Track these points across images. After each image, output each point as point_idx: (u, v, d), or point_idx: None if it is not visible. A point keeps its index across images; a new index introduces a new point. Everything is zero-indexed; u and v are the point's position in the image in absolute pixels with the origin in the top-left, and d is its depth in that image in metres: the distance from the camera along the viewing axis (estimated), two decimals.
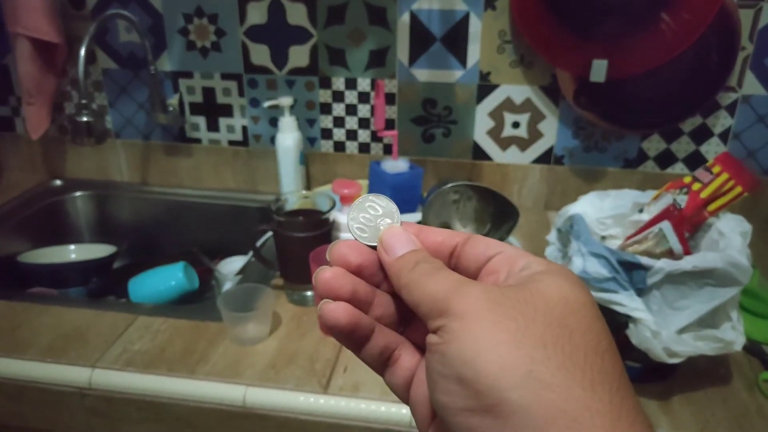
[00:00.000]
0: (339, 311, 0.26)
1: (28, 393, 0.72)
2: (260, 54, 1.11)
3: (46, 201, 1.20)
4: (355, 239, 0.28)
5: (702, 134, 1.06)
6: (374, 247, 0.28)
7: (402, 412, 0.65)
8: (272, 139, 1.16)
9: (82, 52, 0.95)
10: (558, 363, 0.21)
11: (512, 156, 1.12)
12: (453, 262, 0.27)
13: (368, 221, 0.29)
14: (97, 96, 1.19)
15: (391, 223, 0.28)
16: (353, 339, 0.27)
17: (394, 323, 0.28)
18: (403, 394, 0.28)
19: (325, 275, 0.26)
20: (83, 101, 0.98)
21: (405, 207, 0.97)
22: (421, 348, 0.28)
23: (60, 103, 1.21)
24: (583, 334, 0.22)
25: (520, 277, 0.24)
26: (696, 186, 0.71)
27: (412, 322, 0.28)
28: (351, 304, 0.26)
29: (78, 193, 1.22)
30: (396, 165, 0.98)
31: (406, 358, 0.27)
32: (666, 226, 0.70)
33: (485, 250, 0.26)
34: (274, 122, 1.16)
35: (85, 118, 0.99)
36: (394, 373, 0.28)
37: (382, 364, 0.28)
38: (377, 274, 0.28)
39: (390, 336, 0.28)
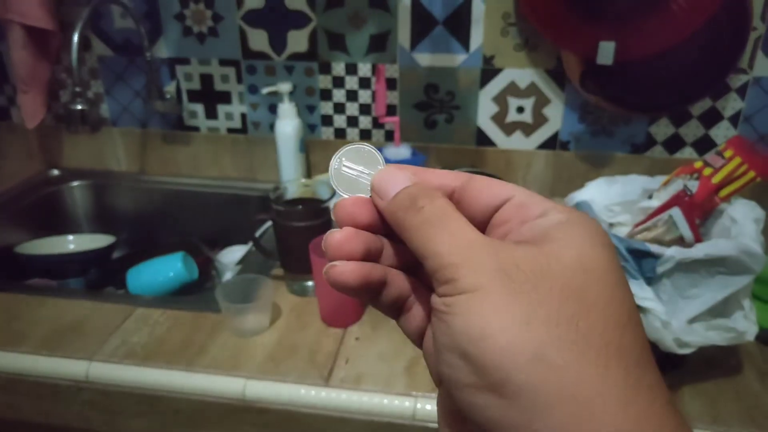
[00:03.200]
0: (347, 273, 0.24)
1: (24, 386, 0.71)
2: (258, 39, 1.09)
3: (44, 191, 1.18)
4: (344, 191, 0.27)
5: (711, 117, 1.03)
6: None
7: (405, 404, 0.64)
8: (271, 127, 1.14)
9: (75, 38, 0.93)
10: (570, 343, 0.19)
11: (517, 141, 1.10)
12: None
13: (354, 171, 0.27)
14: (92, 84, 1.17)
15: (380, 169, 0.26)
16: (364, 294, 0.26)
17: (406, 267, 0.27)
18: (416, 342, 0.27)
19: (336, 238, 0.25)
20: (77, 89, 0.96)
21: None
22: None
23: (56, 92, 1.19)
24: (603, 309, 0.20)
25: (536, 228, 0.22)
26: (707, 171, 0.69)
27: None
28: (363, 260, 0.25)
29: (75, 183, 1.21)
30: (398, 152, 0.96)
31: (419, 307, 0.26)
32: (676, 212, 0.68)
33: (492, 198, 0.24)
34: (273, 109, 1.14)
35: (79, 106, 0.97)
36: (407, 320, 0.27)
37: (395, 312, 0.27)
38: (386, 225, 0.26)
39: (402, 285, 0.26)
